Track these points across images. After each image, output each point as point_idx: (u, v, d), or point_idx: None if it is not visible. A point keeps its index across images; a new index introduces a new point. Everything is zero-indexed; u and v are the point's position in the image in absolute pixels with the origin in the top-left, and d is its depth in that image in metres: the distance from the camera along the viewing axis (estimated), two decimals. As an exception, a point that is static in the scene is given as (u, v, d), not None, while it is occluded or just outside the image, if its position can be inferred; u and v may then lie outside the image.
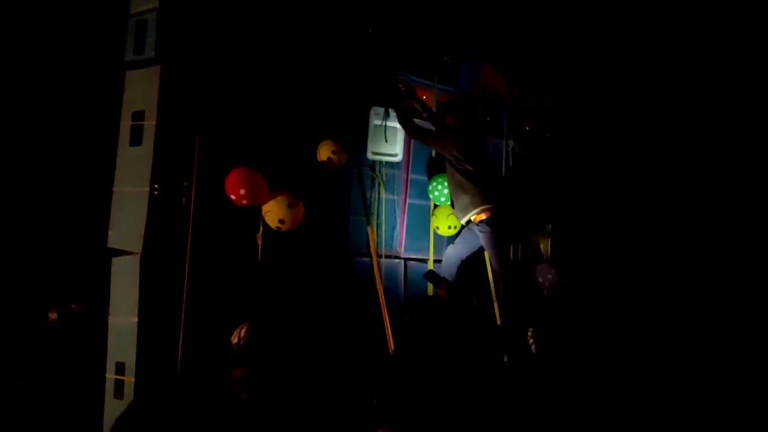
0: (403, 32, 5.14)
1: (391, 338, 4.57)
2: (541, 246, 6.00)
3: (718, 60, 5.82)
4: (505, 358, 4.51)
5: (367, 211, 4.94)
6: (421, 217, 5.29)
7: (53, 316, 4.32)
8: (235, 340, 3.54)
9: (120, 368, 3.95)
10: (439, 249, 5.27)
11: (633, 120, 6.45)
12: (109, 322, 4.06)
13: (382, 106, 4.93)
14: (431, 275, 4.42)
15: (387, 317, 4.65)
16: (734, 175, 6.15)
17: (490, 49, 5.75)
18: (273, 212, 4.24)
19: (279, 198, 4.21)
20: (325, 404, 3.90)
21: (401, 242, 5.26)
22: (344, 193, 4.98)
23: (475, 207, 4.61)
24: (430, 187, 5.14)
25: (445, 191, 4.99)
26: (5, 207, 4.47)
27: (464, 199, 4.65)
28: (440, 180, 5.06)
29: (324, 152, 4.57)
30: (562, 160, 6.15)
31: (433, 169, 5.27)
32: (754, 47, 5.60)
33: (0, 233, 4.44)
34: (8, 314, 4.25)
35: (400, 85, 5.06)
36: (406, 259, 5.27)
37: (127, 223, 4.05)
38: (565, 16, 5.92)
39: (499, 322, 5.16)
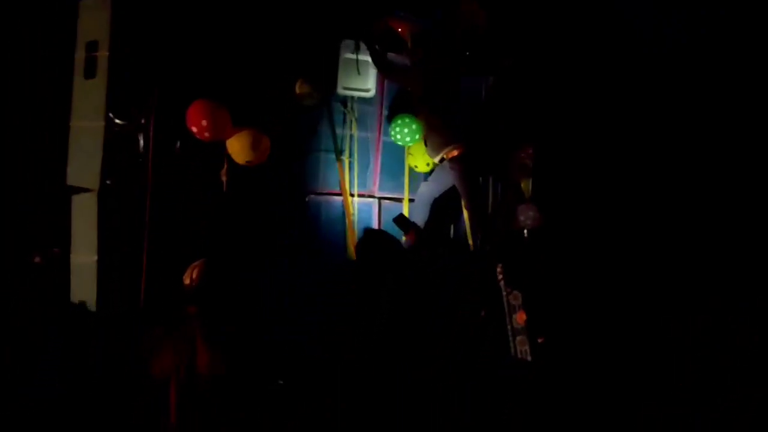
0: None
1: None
2: (523, 185, 5.87)
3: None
4: (483, 313, 4.43)
5: (336, 146, 4.79)
6: (396, 155, 5.15)
7: (37, 259, 4.25)
8: (187, 280, 3.43)
9: (82, 307, 3.91)
10: (414, 189, 5.15)
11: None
12: (71, 261, 4.01)
13: (353, 38, 4.73)
14: (401, 219, 4.32)
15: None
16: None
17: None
18: (239, 151, 4.11)
19: (243, 134, 4.08)
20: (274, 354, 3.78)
21: (375, 181, 5.13)
22: (314, 130, 4.80)
23: (446, 145, 4.55)
24: (391, 129, 4.92)
25: (405, 130, 4.82)
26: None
27: (436, 138, 4.60)
28: (401, 121, 4.86)
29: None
30: (542, 95, 5.88)
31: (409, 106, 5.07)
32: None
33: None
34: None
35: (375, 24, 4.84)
36: (380, 198, 5.15)
37: (85, 159, 3.94)
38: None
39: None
